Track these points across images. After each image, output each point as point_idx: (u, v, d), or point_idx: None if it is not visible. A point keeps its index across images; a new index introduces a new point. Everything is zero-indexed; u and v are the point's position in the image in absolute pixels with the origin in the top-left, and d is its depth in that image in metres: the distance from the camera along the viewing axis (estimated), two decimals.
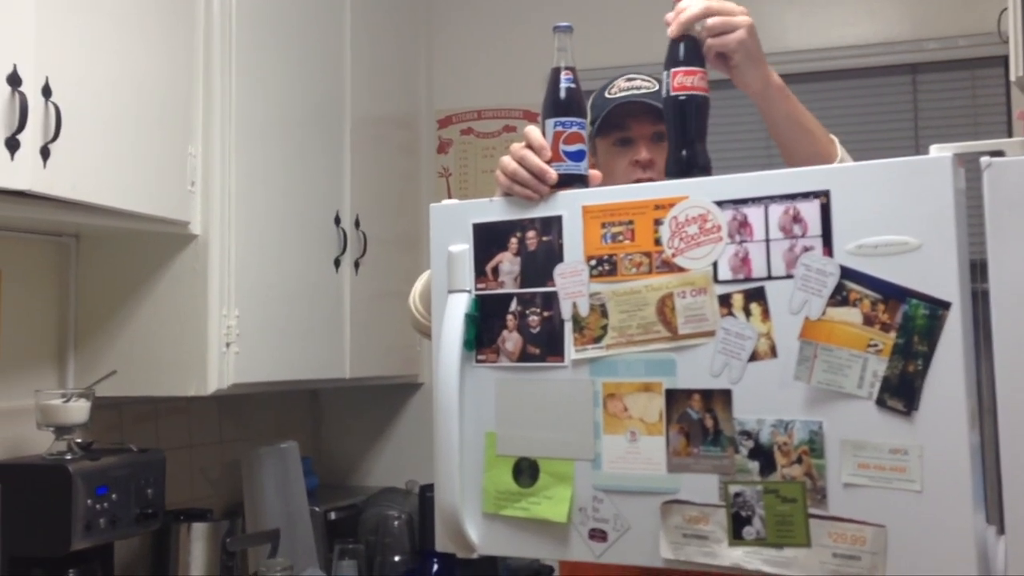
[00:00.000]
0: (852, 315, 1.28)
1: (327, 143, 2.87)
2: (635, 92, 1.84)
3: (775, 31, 3.25)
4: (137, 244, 2.34)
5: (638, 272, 1.42)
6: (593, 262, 1.45)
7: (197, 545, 2.50)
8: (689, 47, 1.52)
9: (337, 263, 2.86)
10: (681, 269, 1.39)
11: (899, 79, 3.15)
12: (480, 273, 1.52)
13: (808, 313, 1.31)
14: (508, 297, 1.50)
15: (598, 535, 1.42)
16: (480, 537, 1.50)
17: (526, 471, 1.47)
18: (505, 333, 1.50)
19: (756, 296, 1.34)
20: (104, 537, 2.11)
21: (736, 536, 1.33)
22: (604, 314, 1.43)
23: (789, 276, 1.32)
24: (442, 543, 1.52)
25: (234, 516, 2.69)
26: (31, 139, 1.79)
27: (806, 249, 1.31)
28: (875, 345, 1.27)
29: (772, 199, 1.34)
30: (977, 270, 1.26)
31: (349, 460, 3.56)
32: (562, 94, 1.52)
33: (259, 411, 3.16)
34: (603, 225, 1.44)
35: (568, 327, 1.45)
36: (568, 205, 1.47)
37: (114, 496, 2.10)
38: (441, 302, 1.54)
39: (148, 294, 2.35)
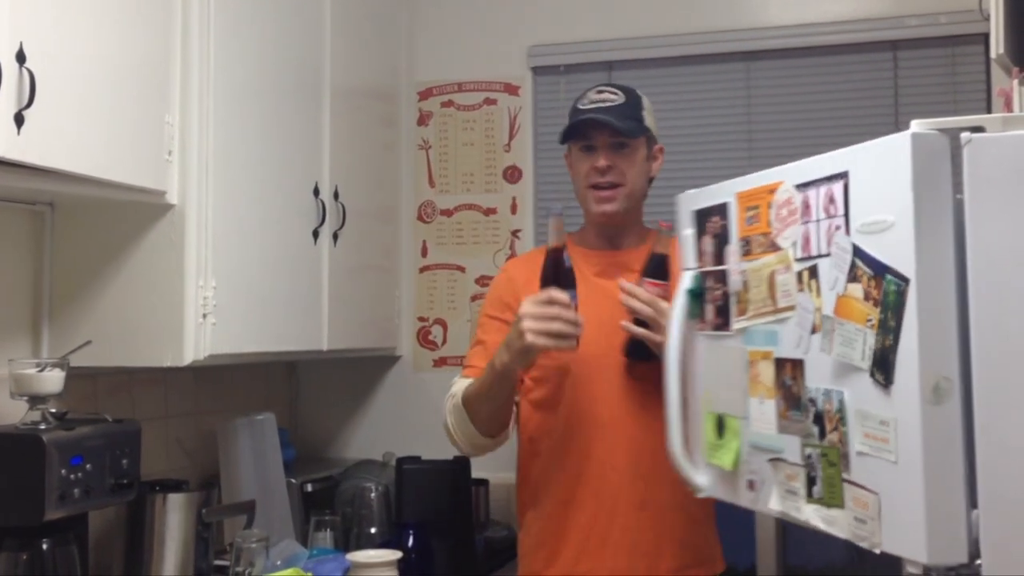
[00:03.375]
0: (857, 291, 1.36)
1: (306, 114, 2.84)
2: (600, 105, 2.11)
3: (755, 6, 3.25)
4: (113, 213, 2.32)
5: (763, 251, 1.57)
6: (742, 242, 1.63)
7: (173, 516, 2.48)
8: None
9: (316, 234, 2.84)
10: (779, 248, 1.53)
11: (880, 55, 3.14)
12: (697, 253, 1.79)
13: (837, 289, 1.40)
14: (708, 274, 1.76)
15: (751, 484, 1.63)
16: (703, 481, 1.77)
17: (721, 425, 1.70)
18: (708, 305, 1.75)
19: (813, 273, 1.46)
20: (78, 507, 2.09)
21: (809, 495, 1.46)
22: (747, 289, 1.61)
23: (829, 254, 1.42)
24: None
25: (210, 487, 2.68)
26: (4, 106, 1.76)
27: (837, 228, 1.40)
28: (871, 320, 1.34)
29: (820, 181, 1.44)
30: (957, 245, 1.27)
31: (326, 432, 3.56)
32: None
33: (236, 382, 3.14)
34: (746, 209, 1.62)
35: (732, 300, 1.67)
36: (729, 193, 1.68)
37: (89, 466, 2.08)
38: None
39: (124, 264, 2.32)
